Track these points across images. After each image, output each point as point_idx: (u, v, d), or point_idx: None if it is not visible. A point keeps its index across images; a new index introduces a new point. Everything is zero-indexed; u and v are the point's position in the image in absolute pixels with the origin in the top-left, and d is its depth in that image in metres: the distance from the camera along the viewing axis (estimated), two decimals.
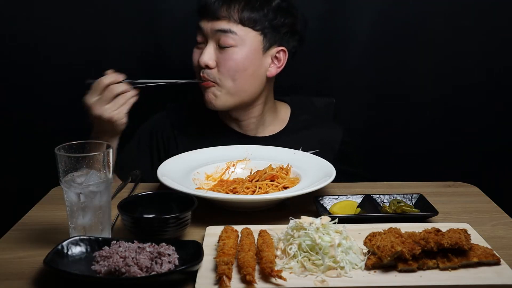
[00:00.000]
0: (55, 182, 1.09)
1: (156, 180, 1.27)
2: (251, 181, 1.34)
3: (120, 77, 1.38)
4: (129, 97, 1.38)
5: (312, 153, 1.49)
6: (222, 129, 1.65)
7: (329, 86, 2.02)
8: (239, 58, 1.50)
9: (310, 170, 1.36)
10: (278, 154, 1.47)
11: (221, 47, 1.49)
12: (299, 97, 1.85)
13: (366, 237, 1.00)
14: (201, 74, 1.52)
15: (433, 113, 2.06)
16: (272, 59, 1.56)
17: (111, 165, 1.04)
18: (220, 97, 1.53)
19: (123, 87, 1.37)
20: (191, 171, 1.37)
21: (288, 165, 1.39)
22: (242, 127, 1.64)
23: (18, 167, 2.04)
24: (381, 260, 0.94)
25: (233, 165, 1.44)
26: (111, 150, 1.03)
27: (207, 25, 1.50)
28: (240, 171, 1.43)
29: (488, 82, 2.03)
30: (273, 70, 1.58)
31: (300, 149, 1.51)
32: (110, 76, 1.37)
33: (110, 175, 1.04)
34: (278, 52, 1.56)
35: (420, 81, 2.03)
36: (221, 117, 1.66)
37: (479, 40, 1.99)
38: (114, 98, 1.37)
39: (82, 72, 1.95)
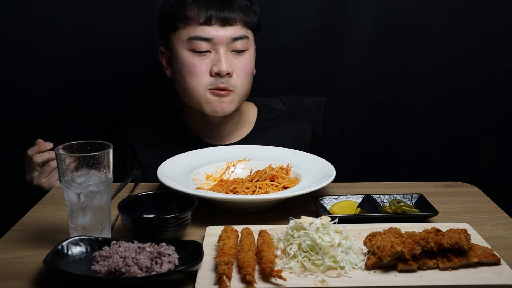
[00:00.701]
0: None
1: (152, 181, 1.26)
2: (251, 181, 1.34)
3: (45, 146, 1.39)
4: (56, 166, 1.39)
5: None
6: (192, 141, 1.59)
7: (328, 86, 2.02)
8: (252, 62, 1.52)
9: (310, 170, 1.35)
10: (278, 154, 1.47)
11: (236, 52, 1.47)
12: (289, 96, 1.85)
13: (366, 237, 1.00)
14: (220, 84, 1.46)
15: (433, 113, 2.07)
16: None
17: (111, 165, 1.04)
18: (234, 103, 1.51)
19: (44, 156, 1.39)
20: (191, 171, 1.37)
21: (288, 165, 1.39)
22: (216, 136, 1.60)
23: (18, 167, 2.03)
24: (381, 260, 0.94)
25: (233, 165, 1.44)
26: (111, 150, 1.03)
27: (217, 33, 1.45)
28: (240, 171, 1.43)
29: (489, 82, 2.04)
30: (254, 68, 1.59)
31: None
32: (33, 148, 1.40)
33: (110, 175, 1.04)
34: (254, 50, 1.57)
35: (420, 81, 2.03)
36: (193, 129, 1.62)
37: (479, 40, 1.99)
38: (40, 167, 1.40)
39: (82, 73, 1.98)
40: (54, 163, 1.39)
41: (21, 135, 2.01)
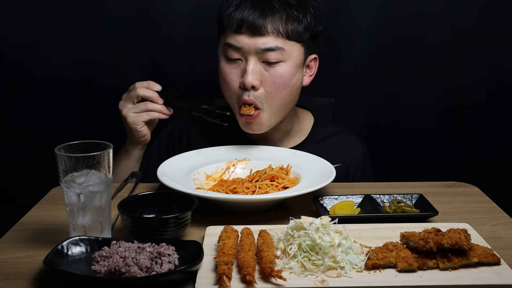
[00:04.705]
0: (55, 182, 1.09)
1: (157, 180, 1.27)
2: (251, 181, 1.34)
3: (155, 86, 1.41)
4: (153, 108, 1.39)
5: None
6: (243, 141, 1.55)
7: (329, 86, 2.02)
8: (288, 74, 1.41)
9: (310, 170, 1.35)
10: (278, 154, 1.47)
11: (267, 64, 1.40)
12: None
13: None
14: (245, 98, 1.40)
15: (433, 112, 2.07)
16: (305, 68, 1.50)
17: (111, 165, 1.04)
18: (265, 122, 1.45)
19: (148, 92, 1.39)
20: (191, 171, 1.37)
21: (288, 165, 1.39)
22: (266, 140, 1.56)
23: (18, 167, 2.04)
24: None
25: (233, 165, 1.44)
26: (111, 150, 1.03)
27: (247, 42, 1.38)
28: (240, 171, 1.43)
29: (489, 81, 2.04)
30: (307, 79, 1.52)
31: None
32: (142, 82, 1.41)
33: (110, 175, 1.04)
34: (311, 60, 1.50)
35: (421, 81, 2.03)
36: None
37: (480, 40, 1.99)
38: (138, 101, 1.39)
39: (83, 72, 1.98)
40: (152, 105, 1.41)
41: (21, 135, 2.02)
